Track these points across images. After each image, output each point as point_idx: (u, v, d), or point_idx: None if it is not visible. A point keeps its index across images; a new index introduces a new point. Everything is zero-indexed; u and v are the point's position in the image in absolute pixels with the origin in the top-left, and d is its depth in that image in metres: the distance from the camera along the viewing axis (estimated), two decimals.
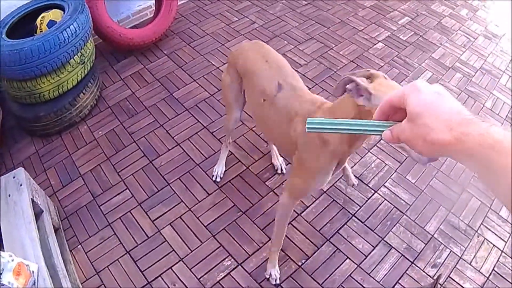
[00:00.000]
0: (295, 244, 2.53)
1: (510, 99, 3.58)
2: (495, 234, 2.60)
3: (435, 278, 2.38)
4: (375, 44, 3.98)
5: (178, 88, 3.41)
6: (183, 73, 3.54)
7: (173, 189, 2.75)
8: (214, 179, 2.81)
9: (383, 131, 0.68)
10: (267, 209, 2.67)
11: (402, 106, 0.64)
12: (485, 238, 2.58)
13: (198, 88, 3.41)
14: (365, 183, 2.87)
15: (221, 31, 3.99)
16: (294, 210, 2.64)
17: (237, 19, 4.14)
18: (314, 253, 2.50)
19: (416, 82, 0.63)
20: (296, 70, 3.36)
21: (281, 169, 2.87)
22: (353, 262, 2.48)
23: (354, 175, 2.88)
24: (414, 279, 2.41)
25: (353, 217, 2.68)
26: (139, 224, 2.58)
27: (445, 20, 4.34)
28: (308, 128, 0.73)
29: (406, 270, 2.45)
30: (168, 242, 2.51)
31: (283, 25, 4.09)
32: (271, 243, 2.33)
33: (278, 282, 2.34)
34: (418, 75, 3.69)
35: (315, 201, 2.74)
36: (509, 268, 2.44)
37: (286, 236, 2.49)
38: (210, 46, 3.82)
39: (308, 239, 2.56)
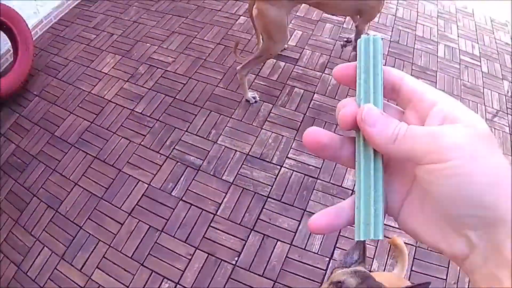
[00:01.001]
0: (222, 245, 2.60)
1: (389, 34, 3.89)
2: None
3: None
4: (237, 20, 4.10)
5: (58, 126, 3.34)
6: (58, 109, 3.47)
7: (87, 231, 2.73)
8: (253, 101, 3.33)
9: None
10: (183, 219, 2.72)
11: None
12: None
13: (77, 119, 3.37)
14: (268, 161, 2.98)
15: (83, 53, 3.92)
16: (208, 211, 2.74)
17: (95, 36, 4.08)
18: (244, 247, 2.58)
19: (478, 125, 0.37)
20: (166, 70, 3.49)
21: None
22: (285, 242, 2.58)
23: (254, 156, 3.00)
24: (350, 238, 2.56)
25: (268, 199, 2.78)
26: (69, 278, 2.55)
27: None
28: None
29: (340, 232, 2.60)
30: (102, 287, 2.50)
31: (141, 28, 4.09)
32: None
33: None
34: (290, 38, 3.88)
35: (225, 195, 2.82)
36: None
37: (210, 240, 2.60)
38: (76, 72, 3.75)
39: (232, 236, 2.63)
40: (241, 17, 4.11)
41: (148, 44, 3.91)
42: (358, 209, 0.42)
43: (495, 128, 3.32)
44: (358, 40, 0.44)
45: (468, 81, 3.69)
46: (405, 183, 0.42)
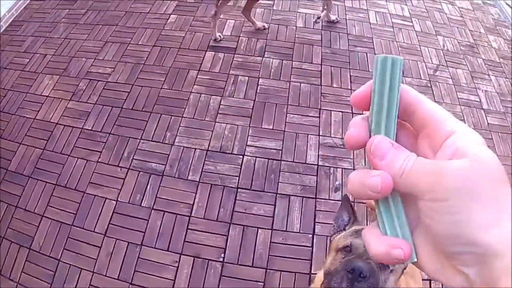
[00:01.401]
0: (205, 245, 2.61)
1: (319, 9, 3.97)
2: None
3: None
4: (168, 19, 4.08)
5: (10, 160, 3.18)
6: (6, 142, 3.30)
7: (66, 263, 2.62)
8: (216, 38, 3.61)
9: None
10: (159, 228, 2.70)
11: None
12: None
13: (28, 149, 3.23)
14: (229, 153, 3.01)
15: (19, 79, 3.76)
16: (182, 215, 2.73)
17: (28, 59, 3.92)
18: (227, 242, 2.61)
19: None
20: (107, 82, 3.44)
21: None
22: (265, 229, 2.64)
23: (214, 151, 3.02)
24: (327, 211, 2.65)
25: (239, 190, 2.82)
26: None
27: None
28: None
29: (315, 207, 2.68)
30: None
31: (74, 44, 3.99)
32: None
33: None
34: (224, 28, 3.92)
35: (195, 195, 2.82)
36: None
37: (191, 242, 2.60)
38: (16, 101, 3.59)
39: (213, 233, 2.65)
40: (172, 15, 4.09)
41: (83, 59, 3.82)
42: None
43: (439, 82, 3.46)
44: (374, 58, 0.41)
45: (404, 42, 3.83)
46: (416, 215, 0.41)
